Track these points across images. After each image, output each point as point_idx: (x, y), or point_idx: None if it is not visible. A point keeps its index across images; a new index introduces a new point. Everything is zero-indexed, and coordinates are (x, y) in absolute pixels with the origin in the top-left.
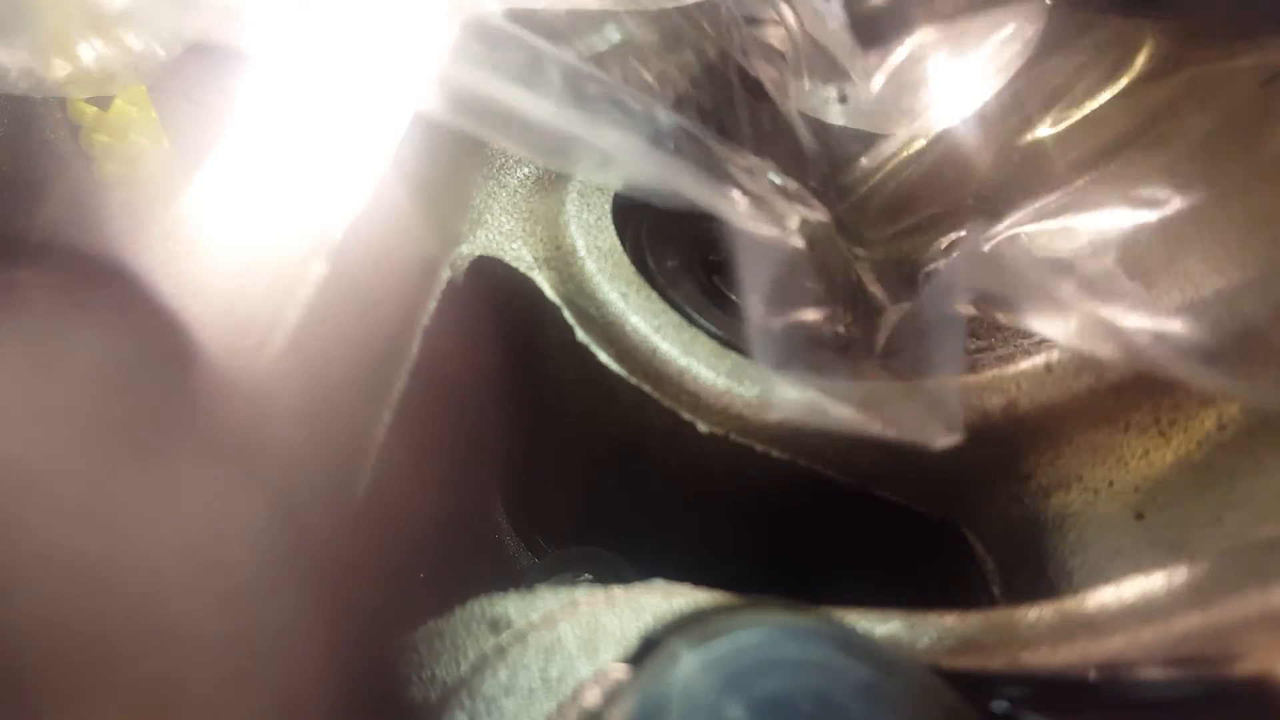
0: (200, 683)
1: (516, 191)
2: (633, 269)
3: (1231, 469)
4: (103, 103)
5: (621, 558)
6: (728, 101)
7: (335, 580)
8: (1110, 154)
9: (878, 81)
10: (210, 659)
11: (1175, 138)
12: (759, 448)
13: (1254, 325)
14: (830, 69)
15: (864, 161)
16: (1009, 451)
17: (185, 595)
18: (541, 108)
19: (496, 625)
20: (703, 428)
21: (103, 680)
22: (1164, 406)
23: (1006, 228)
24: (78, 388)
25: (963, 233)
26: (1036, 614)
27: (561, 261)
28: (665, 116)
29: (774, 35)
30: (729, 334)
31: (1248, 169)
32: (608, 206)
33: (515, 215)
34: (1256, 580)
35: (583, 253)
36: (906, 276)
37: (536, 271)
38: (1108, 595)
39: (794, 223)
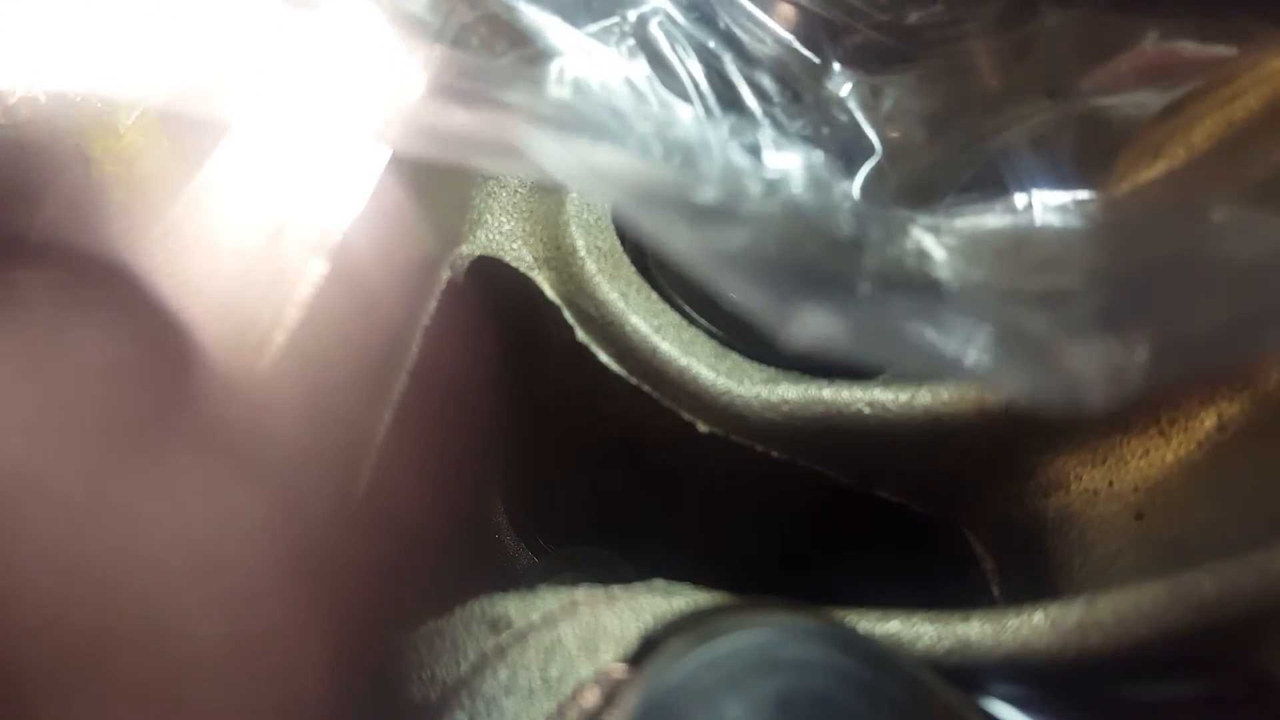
0: (200, 682)
1: (516, 191)
2: (633, 269)
3: (1232, 469)
4: None
5: (621, 558)
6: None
7: (335, 580)
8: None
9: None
10: (211, 659)
11: (1175, 140)
12: (759, 448)
13: None
14: (869, 61)
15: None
16: (1009, 451)
17: (186, 595)
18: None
19: (496, 625)
20: (703, 428)
21: (103, 680)
22: (1164, 406)
23: None
24: (78, 388)
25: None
26: (1037, 614)
27: (561, 261)
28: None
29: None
30: (729, 334)
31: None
32: (608, 206)
33: (515, 215)
34: (1256, 580)
35: (583, 253)
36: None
37: (536, 271)
38: (1108, 595)
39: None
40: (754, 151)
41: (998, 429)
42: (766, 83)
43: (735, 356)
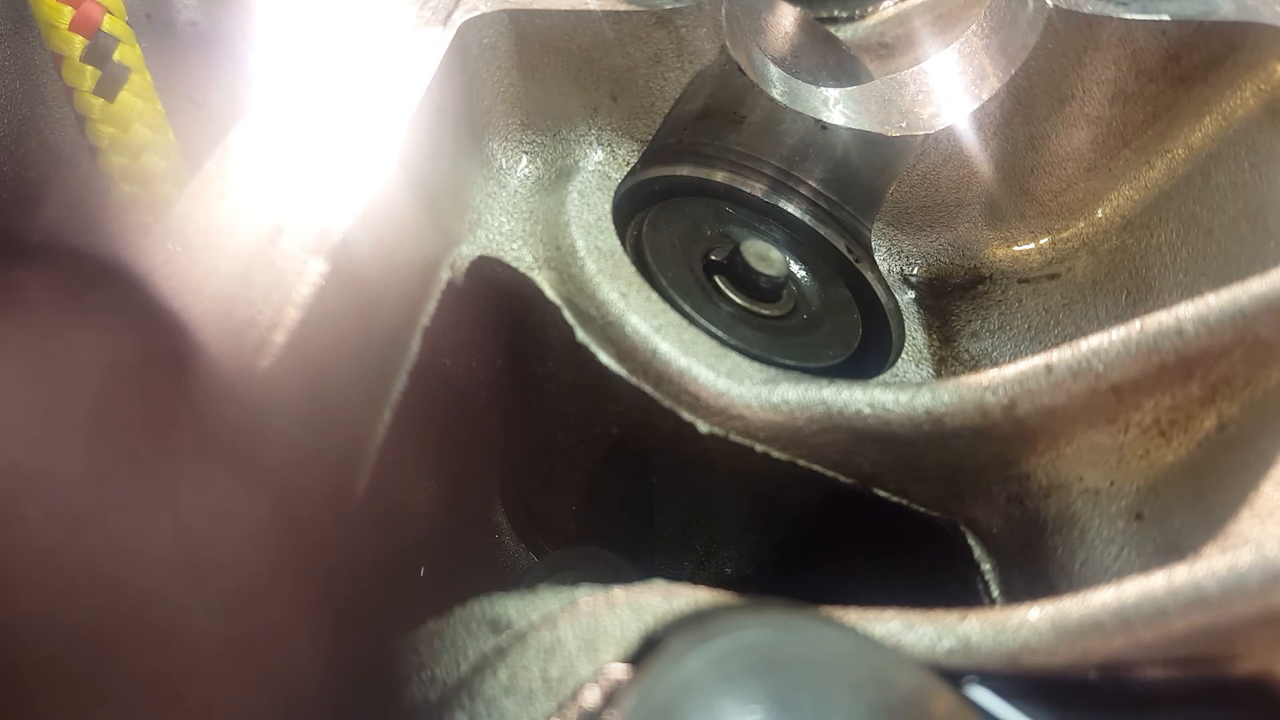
0: (200, 682)
1: (516, 192)
2: (633, 269)
3: (1232, 469)
4: (109, 94)
5: (621, 558)
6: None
7: (335, 580)
8: (1111, 150)
9: (879, 82)
10: (210, 659)
11: (1174, 135)
12: (759, 448)
13: None
14: (832, 71)
15: None
16: (1009, 452)
17: (185, 595)
18: None
19: (496, 625)
20: (703, 428)
21: (103, 680)
22: (1164, 407)
23: None
24: (78, 388)
25: None
26: (1036, 614)
27: (561, 262)
28: None
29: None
30: (729, 334)
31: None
32: (608, 207)
33: (515, 216)
34: (1257, 580)
35: (583, 253)
36: None
37: (536, 272)
38: (1108, 595)
39: None
40: None
41: (998, 430)
42: None
43: (735, 356)
